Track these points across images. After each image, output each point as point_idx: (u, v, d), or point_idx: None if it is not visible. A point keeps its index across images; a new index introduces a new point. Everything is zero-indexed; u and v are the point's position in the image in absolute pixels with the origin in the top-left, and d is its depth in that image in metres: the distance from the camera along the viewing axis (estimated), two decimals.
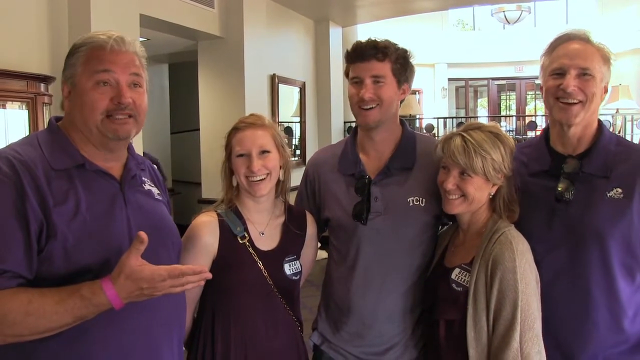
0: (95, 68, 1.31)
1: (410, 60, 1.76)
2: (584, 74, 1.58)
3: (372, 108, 1.70)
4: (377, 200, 1.71)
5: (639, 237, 1.57)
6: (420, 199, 1.71)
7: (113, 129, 1.31)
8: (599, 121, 1.68)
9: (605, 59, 1.61)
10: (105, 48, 1.32)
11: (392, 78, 1.71)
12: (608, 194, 1.57)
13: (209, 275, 1.23)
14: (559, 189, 1.59)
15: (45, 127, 1.42)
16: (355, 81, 1.73)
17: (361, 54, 1.70)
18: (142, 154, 1.85)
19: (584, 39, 1.62)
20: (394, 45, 1.72)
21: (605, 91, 1.63)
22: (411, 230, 1.72)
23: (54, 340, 1.19)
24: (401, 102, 1.81)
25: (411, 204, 1.71)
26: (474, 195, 1.58)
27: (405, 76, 1.75)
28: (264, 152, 1.63)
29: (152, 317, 1.33)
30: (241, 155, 1.64)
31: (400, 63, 1.72)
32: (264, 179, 1.63)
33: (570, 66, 1.59)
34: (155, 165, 1.63)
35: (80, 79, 1.31)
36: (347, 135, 1.92)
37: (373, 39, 1.73)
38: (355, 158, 1.79)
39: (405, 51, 1.74)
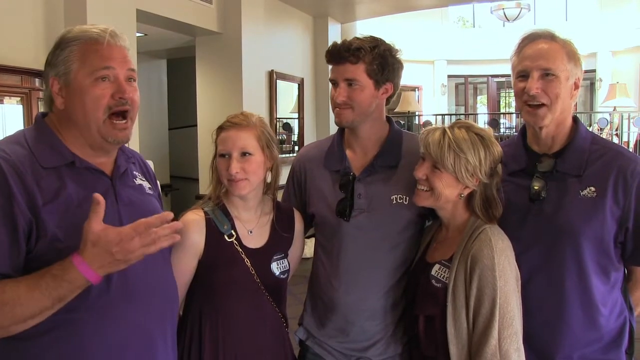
0: (95, 65, 1.29)
1: (393, 58, 1.71)
2: (547, 75, 1.57)
3: (345, 109, 1.70)
4: (360, 198, 1.71)
5: (612, 235, 1.57)
6: (404, 197, 1.71)
7: (114, 134, 1.32)
8: (575, 118, 1.68)
9: (571, 56, 1.59)
10: (101, 43, 1.31)
11: (367, 80, 1.68)
12: (581, 193, 1.57)
13: (179, 225, 1.18)
14: (535, 187, 1.60)
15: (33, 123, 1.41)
16: (332, 83, 1.74)
17: (335, 57, 1.70)
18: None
19: (548, 37, 1.61)
20: (372, 44, 1.68)
21: (576, 87, 1.62)
22: (394, 227, 1.72)
23: (47, 335, 1.18)
24: (389, 99, 1.78)
25: (395, 201, 1.71)
26: (441, 191, 1.56)
27: (385, 76, 1.70)
28: (244, 154, 1.62)
29: (146, 312, 1.33)
30: (222, 155, 1.63)
31: (378, 63, 1.68)
32: (242, 180, 1.61)
33: (532, 68, 1.59)
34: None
35: (77, 76, 1.29)
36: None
37: (356, 37, 1.71)
38: (342, 154, 1.79)
39: (385, 49, 1.70)
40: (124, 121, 1.32)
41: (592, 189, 1.56)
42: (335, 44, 1.72)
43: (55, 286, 1.13)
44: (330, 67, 1.76)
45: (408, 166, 1.69)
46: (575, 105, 1.95)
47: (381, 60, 1.68)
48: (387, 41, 1.74)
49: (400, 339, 1.74)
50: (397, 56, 1.74)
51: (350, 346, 1.75)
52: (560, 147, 1.64)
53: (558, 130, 1.64)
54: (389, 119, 1.84)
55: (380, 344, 1.73)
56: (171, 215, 1.17)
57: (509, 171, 1.67)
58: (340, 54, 1.68)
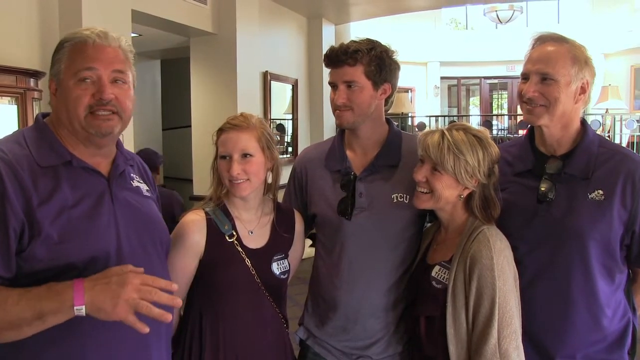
0: (78, 65, 1.30)
1: (390, 59, 1.74)
2: (545, 79, 1.58)
3: (345, 111, 1.73)
4: (361, 197, 1.73)
5: (618, 238, 1.59)
6: (405, 196, 1.72)
7: (96, 124, 1.31)
8: (584, 121, 1.68)
9: (576, 60, 1.58)
10: (87, 43, 1.31)
11: (366, 81, 1.71)
12: (589, 196, 1.58)
13: (179, 302, 1.21)
14: (542, 189, 1.61)
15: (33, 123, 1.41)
16: (331, 86, 1.77)
17: (334, 60, 1.73)
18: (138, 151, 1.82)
19: (557, 39, 1.62)
20: (369, 46, 1.71)
21: (584, 91, 1.61)
22: (395, 226, 1.74)
23: (43, 334, 1.17)
24: (388, 100, 1.82)
25: (395, 200, 1.73)
26: (441, 192, 1.58)
27: (383, 76, 1.74)
28: (245, 155, 1.63)
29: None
30: (223, 157, 1.64)
31: (376, 64, 1.71)
32: (243, 182, 1.62)
33: (531, 71, 1.61)
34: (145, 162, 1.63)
35: (64, 76, 1.31)
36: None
37: (352, 39, 1.74)
38: (342, 155, 1.81)
39: (382, 51, 1.73)
40: (107, 113, 1.31)
41: (600, 192, 1.57)
42: (333, 48, 1.74)
43: (43, 295, 1.12)
44: (328, 70, 1.78)
45: (408, 166, 1.71)
46: None
47: (379, 62, 1.71)
48: (383, 43, 1.76)
49: (400, 338, 1.75)
50: (394, 57, 1.77)
51: (352, 344, 1.76)
52: (567, 150, 1.65)
53: (563, 133, 1.64)
54: (388, 120, 1.86)
55: (381, 342, 1.74)
56: (177, 287, 1.21)
57: (515, 172, 1.69)
58: (339, 57, 1.71)
